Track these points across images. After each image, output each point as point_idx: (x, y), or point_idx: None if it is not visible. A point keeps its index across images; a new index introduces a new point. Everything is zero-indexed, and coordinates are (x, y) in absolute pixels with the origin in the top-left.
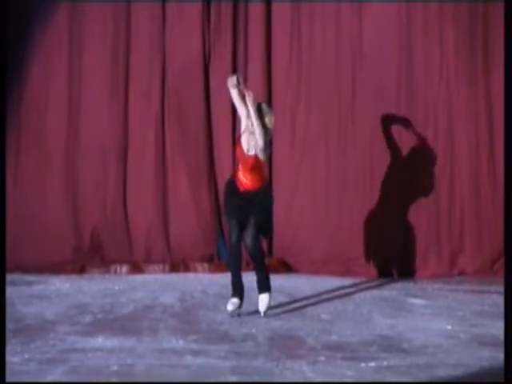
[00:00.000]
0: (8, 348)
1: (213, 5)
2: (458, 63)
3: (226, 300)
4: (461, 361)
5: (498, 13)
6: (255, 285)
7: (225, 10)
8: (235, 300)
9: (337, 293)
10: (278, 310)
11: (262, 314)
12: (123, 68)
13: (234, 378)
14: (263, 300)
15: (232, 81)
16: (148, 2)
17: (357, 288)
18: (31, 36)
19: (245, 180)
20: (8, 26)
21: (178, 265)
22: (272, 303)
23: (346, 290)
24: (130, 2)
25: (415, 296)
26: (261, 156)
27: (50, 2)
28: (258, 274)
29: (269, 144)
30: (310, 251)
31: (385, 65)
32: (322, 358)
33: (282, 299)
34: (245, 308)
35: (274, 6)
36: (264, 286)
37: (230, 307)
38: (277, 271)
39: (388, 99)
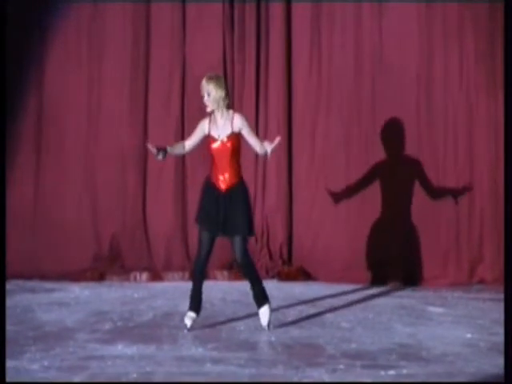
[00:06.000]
0: (27, 355)
1: (235, 10)
2: (477, 70)
3: (246, 307)
4: (480, 369)
5: None
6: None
7: (245, 14)
8: (193, 314)
9: (356, 301)
10: (298, 318)
11: (267, 328)
12: (143, 76)
13: None
14: (265, 313)
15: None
16: (168, 3)
17: (376, 296)
18: (50, 40)
19: (224, 177)
20: (25, 34)
21: None
22: (292, 311)
23: (366, 298)
24: (149, 2)
25: (435, 304)
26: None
27: (67, 8)
28: (253, 288)
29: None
30: (329, 259)
31: (404, 73)
32: (342, 366)
33: (302, 307)
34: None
35: (294, 13)
36: (262, 299)
37: (188, 322)
38: (296, 279)
39: (408, 108)
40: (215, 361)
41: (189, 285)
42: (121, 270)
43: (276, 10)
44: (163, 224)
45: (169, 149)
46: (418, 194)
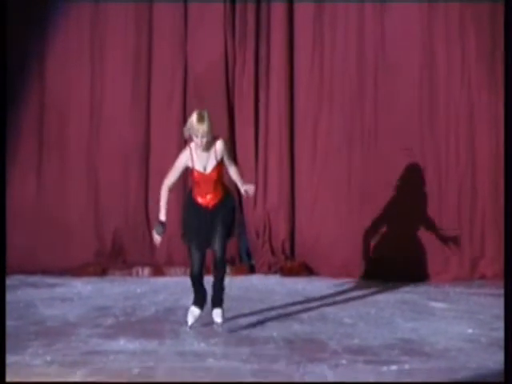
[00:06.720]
0: (30, 350)
1: (236, 9)
2: (479, 67)
3: (247, 303)
4: (482, 364)
5: None
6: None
7: (247, 13)
8: (196, 309)
9: (358, 296)
10: (300, 314)
11: (221, 325)
12: (145, 72)
13: (254, 381)
14: (218, 313)
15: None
16: (170, 3)
17: (378, 291)
18: (52, 38)
19: (209, 198)
20: (27, 29)
21: None
22: (294, 307)
23: (368, 294)
24: (152, 2)
25: (436, 299)
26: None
27: (69, 6)
28: (216, 288)
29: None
30: (331, 255)
31: (406, 70)
32: (344, 362)
33: (304, 302)
34: (266, 312)
35: (296, 9)
36: (219, 302)
37: (190, 319)
38: (298, 274)
39: (410, 105)
40: (217, 356)
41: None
42: (123, 265)
43: (278, 7)
44: (165, 219)
45: (163, 216)
46: (420, 192)
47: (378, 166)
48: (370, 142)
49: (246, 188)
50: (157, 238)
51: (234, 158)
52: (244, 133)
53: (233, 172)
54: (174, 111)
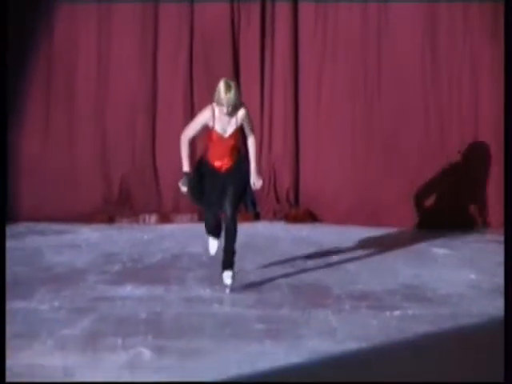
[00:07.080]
0: (38, 296)
1: None
2: (482, 20)
3: (253, 250)
4: (483, 310)
5: None
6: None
7: None
8: (215, 240)
9: (362, 243)
10: (304, 260)
11: (230, 289)
12: (152, 22)
13: (260, 327)
14: (229, 275)
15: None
16: None
17: (382, 238)
18: None
19: (224, 161)
20: None
21: None
22: (299, 253)
23: (372, 240)
24: None
25: (440, 246)
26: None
27: None
28: (227, 251)
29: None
30: (336, 201)
31: (410, 24)
32: (347, 307)
33: (308, 249)
34: (271, 258)
35: None
36: (230, 264)
37: (212, 248)
38: (303, 221)
39: (413, 59)
40: (223, 302)
41: (197, 226)
42: (130, 213)
43: None
44: (172, 166)
45: (186, 167)
46: (424, 141)
47: (381, 116)
48: (373, 93)
49: (254, 180)
50: (184, 190)
51: None
52: (249, 89)
53: (250, 142)
54: (180, 60)
